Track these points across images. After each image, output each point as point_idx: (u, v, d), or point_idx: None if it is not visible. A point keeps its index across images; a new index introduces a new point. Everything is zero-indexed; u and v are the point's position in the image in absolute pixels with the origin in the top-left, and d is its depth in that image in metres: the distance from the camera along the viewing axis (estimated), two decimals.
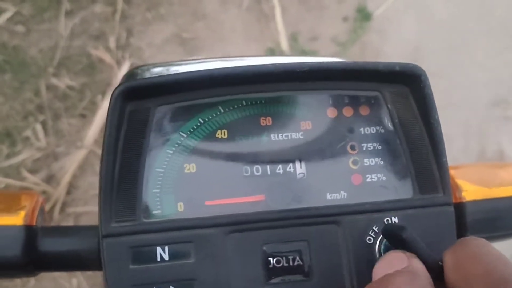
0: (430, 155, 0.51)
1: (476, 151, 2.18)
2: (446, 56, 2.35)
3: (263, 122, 0.52)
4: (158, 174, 0.49)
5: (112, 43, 2.03)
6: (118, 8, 2.09)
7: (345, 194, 0.51)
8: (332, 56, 2.18)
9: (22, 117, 1.90)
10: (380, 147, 0.52)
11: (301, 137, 0.52)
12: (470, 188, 0.62)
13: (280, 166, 0.51)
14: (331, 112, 0.53)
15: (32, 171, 1.84)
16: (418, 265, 0.39)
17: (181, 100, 0.51)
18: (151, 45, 2.09)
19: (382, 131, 0.53)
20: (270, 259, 0.47)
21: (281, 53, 2.21)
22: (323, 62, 0.50)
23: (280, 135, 0.52)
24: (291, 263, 0.47)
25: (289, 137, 0.52)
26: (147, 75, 0.65)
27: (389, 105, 0.53)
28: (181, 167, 0.50)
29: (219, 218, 0.48)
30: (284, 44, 2.22)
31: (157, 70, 0.65)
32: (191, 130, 0.51)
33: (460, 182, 0.63)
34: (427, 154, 0.51)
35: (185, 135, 0.50)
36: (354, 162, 0.52)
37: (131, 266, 0.46)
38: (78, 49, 2.01)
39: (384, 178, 0.52)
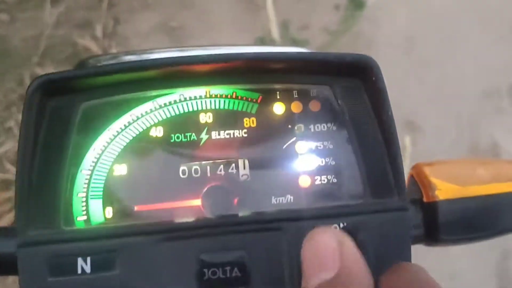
0: (384, 156, 0.47)
1: (468, 143, 2.15)
2: (439, 46, 2.31)
3: (203, 119, 0.48)
4: (84, 177, 0.45)
5: (98, 31, 2.00)
6: None
7: (292, 197, 0.47)
8: (322, 45, 2.16)
9: (4, 107, 1.87)
10: (331, 146, 0.48)
11: (244, 135, 0.48)
12: (444, 187, 0.59)
13: (221, 167, 0.47)
14: (278, 108, 0.49)
15: (15, 163, 1.81)
16: (352, 266, 0.36)
17: (110, 94, 0.46)
18: (137, 34, 2.06)
19: (334, 128, 0.49)
20: (205, 270, 0.43)
21: (272, 42, 2.17)
22: (264, 52, 0.46)
23: (221, 132, 0.48)
24: (228, 275, 0.43)
25: (232, 135, 0.48)
26: (104, 63, 0.61)
27: (339, 101, 0.48)
28: (110, 169, 0.46)
29: (149, 225, 0.44)
30: (275, 33, 2.19)
31: (110, 61, 0.61)
32: (122, 127, 0.46)
33: (434, 180, 0.59)
34: (380, 154, 0.47)
35: (115, 133, 0.46)
36: (303, 163, 0.48)
37: (49, 279, 0.42)
38: (63, 38, 1.97)
39: (334, 180, 0.48)
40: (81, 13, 2.02)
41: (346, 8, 2.31)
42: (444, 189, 0.59)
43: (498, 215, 0.60)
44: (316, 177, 0.48)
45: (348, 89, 0.48)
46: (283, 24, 2.22)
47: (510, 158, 2.01)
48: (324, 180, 0.48)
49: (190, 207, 0.46)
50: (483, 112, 2.23)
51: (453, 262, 1.92)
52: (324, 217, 0.45)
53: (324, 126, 0.49)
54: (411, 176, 0.62)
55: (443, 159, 0.65)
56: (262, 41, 2.15)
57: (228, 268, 0.43)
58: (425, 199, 0.59)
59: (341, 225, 0.45)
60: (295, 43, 2.20)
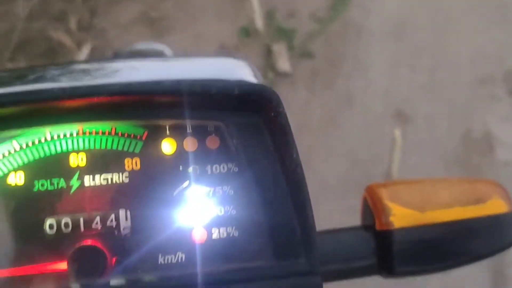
0: (289, 207, 0.40)
1: (461, 132, 2.10)
2: (430, 33, 2.26)
3: (73, 162, 0.40)
4: None
5: (73, 24, 1.94)
6: None
7: (183, 256, 0.40)
8: (310, 34, 2.10)
9: None
10: (232, 192, 0.41)
11: (126, 180, 0.40)
12: (400, 212, 0.54)
13: (97, 219, 0.39)
14: (168, 146, 0.41)
15: None
16: None
17: None
18: (116, 25, 2.00)
19: (236, 169, 0.41)
20: None
21: (256, 32, 2.11)
22: (134, 83, 0.38)
23: (97, 177, 0.40)
24: None
25: (110, 181, 0.40)
26: None
27: (234, 140, 0.41)
28: None
29: None
30: (259, 22, 2.12)
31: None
32: None
33: (389, 204, 0.55)
34: (285, 204, 0.40)
35: None
36: (197, 212, 0.41)
37: None
38: (37, 32, 1.91)
39: (235, 234, 0.41)
40: (56, 5, 1.96)
41: None
42: (400, 215, 0.54)
43: (460, 243, 0.56)
44: (213, 230, 0.41)
45: (245, 125, 0.41)
46: (269, 13, 2.15)
47: (503, 146, 1.95)
48: (223, 234, 0.41)
49: (54, 272, 0.39)
50: (477, 100, 2.17)
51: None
52: (218, 283, 0.38)
53: (223, 167, 0.41)
54: (364, 199, 0.57)
55: (401, 179, 0.60)
56: (246, 31, 2.09)
57: None
58: (377, 227, 0.54)
59: None
60: (281, 32, 2.13)
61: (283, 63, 2.07)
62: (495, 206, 0.56)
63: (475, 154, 2.06)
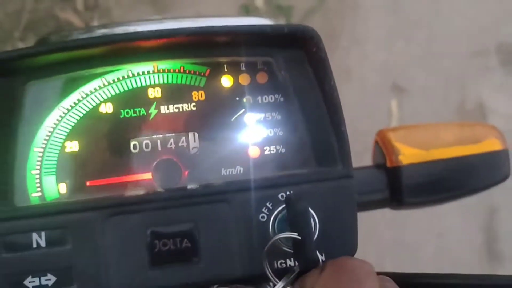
0: (328, 125, 0.48)
1: (456, 102, 2.16)
2: (426, 4, 2.29)
3: (151, 94, 0.48)
4: (37, 154, 0.46)
5: (79, 4, 1.98)
6: None
7: (241, 168, 0.48)
8: (308, 10, 2.14)
9: None
10: (279, 117, 0.49)
11: (193, 108, 0.48)
12: (408, 151, 0.60)
13: (171, 140, 0.48)
14: (226, 81, 0.49)
15: None
16: None
17: (57, 73, 0.47)
18: (120, 5, 2.04)
19: (282, 99, 0.49)
20: (156, 242, 0.44)
21: (256, 10, 2.16)
22: (204, 27, 0.45)
23: (170, 107, 0.48)
24: (178, 246, 0.44)
25: (181, 109, 0.48)
26: (61, 37, 0.60)
27: (283, 72, 0.49)
28: (62, 145, 0.46)
29: (99, 200, 0.45)
30: (259, 0, 2.17)
31: (70, 37, 0.60)
32: (72, 105, 0.47)
33: (397, 144, 0.61)
34: (324, 124, 0.48)
35: (65, 111, 0.47)
36: (252, 134, 0.49)
37: (4, 255, 0.43)
38: (45, 12, 1.96)
39: (283, 150, 0.49)
40: None
41: None
42: (408, 154, 0.60)
43: (460, 177, 0.62)
44: (265, 148, 0.49)
45: (291, 60, 0.49)
46: None
47: (496, 116, 2.02)
48: (272, 150, 0.49)
49: (141, 180, 0.47)
50: (471, 71, 2.22)
51: (441, 220, 1.95)
52: (269, 187, 0.46)
53: (271, 98, 0.49)
54: (376, 142, 0.63)
55: (409, 124, 0.66)
56: (246, 9, 2.13)
57: (178, 239, 0.44)
58: (388, 164, 0.60)
59: (287, 193, 0.46)
60: (279, 9, 2.18)
61: None
62: (491, 144, 0.63)
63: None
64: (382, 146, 0.62)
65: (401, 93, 2.13)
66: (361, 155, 1.83)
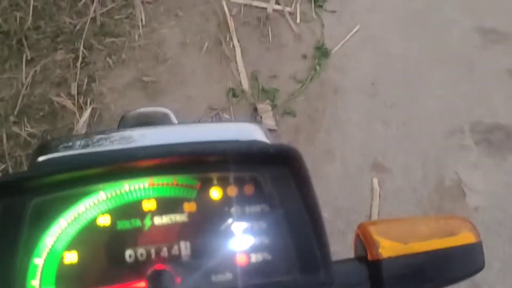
0: (311, 235, 0.51)
1: (434, 180, 2.23)
2: (403, 89, 2.41)
3: (146, 206, 0.51)
4: (37, 266, 0.48)
5: (73, 89, 2.06)
6: (79, 54, 2.12)
7: (230, 275, 0.50)
8: (291, 93, 2.23)
9: None
10: (265, 226, 0.52)
11: (185, 219, 0.51)
12: (387, 245, 0.63)
13: (165, 249, 0.50)
14: (215, 193, 0.53)
15: None
16: None
17: (58, 190, 0.50)
18: (112, 90, 2.12)
19: (267, 209, 0.53)
20: None
21: (242, 93, 2.25)
22: (196, 147, 0.51)
23: (164, 218, 0.51)
24: None
25: (173, 220, 0.51)
26: (61, 148, 0.62)
27: (268, 185, 0.53)
28: (62, 256, 0.48)
29: None
30: (245, 83, 2.27)
31: (69, 143, 0.62)
32: (72, 218, 0.49)
33: (378, 238, 0.63)
34: (307, 233, 0.51)
35: (65, 224, 0.49)
36: (239, 242, 0.52)
37: None
38: (39, 97, 2.03)
39: (269, 258, 0.51)
40: (56, 72, 2.08)
41: (313, 57, 2.41)
42: (388, 247, 0.63)
43: (438, 268, 0.65)
44: (251, 255, 0.51)
45: (276, 175, 0.53)
46: (253, 75, 2.30)
47: (474, 193, 2.07)
48: (259, 258, 0.51)
49: None
50: (448, 150, 2.32)
51: None
52: None
53: (258, 208, 0.53)
54: (357, 235, 0.67)
55: (388, 218, 0.70)
56: (233, 93, 2.22)
57: None
58: (369, 257, 0.63)
59: None
60: (264, 92, 2.27)
61: (269, 121, 2.20)
62: (466, 237, 0.66)
63: (448, 200, 2.18)
64: (363, 239, 0.64)
65: (382, 172, 2.20)
66: (345, 233, 1.87)
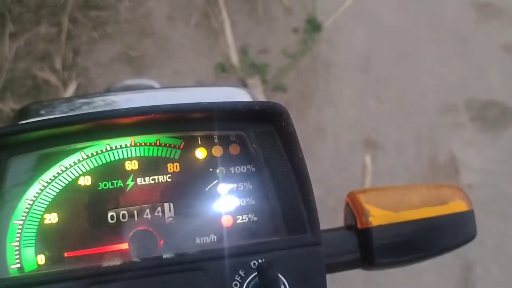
0: (297, 195, 0.50)
1: (428, 157, 2.20)
2: (396, 64, 2.38)
3: (128, 166, 0.50)
4: (17, 227, 0.47)
5: (58, 64, 2.01)
6: (63, 28, 2.07)
7: (215, 237, 0.49)
8: (283, 67, 2.20)
9: None
10: (251, 187, 0.51)
11: (169, 180, 0.50)
12: (378, 213, 0.62)
13: (148, 210, 0.49)
14: (200, 153, 0.51)
15: None
16: None
17: (38, 148, 0.48)
18: (98, 64, 2.07)
19: (253, 170, 0.51)
20: None
21: (231, 68, 2.21)
22: (179, 104, 0.48)
23: (147, 178, 0.50)
24: None
25: (157, 181, 0.50)
26: (42, 112, 0.62)
27: (254, 144, 0.51)
28: (42, 218, 0.47)
29: (77, 270, 0.46)
30: (234, 58, 2.23)
31: (50, 107, 0.62)
32: (52, 178, 0.48)
33: (368, 207, 0.62)
34: (294, 193, 0.50)
35: (45, 184, 0.48)
36: (225, 203, 0.51)
37: None
38: (23, 72, 1.98)
39: (255, 219, 0.50)
40: (40, 46, 2.03)
41: (304, 31, 2.36)
42: (378, 216, 0.62)
43: (429, 237, 0.63)
44: (237, 216, 0.50)
45: (262, 133, 0.51)
46: (242, 49, 2.25)
47: (468, 170, 2.06)
48: (245, 219, 0.50)
49: (118, 250, 0.48)
50: (442, 127, 2.29)
51: (417, 276, 1.96)
52: (242, 255, 0.48)
53: (244, 168, 0.51)
54: (347, 204, 0.65)
55: (378, 186, 0.68)
56: (222, 68, 2.18)
57: None
58: (359, 226, 0.62)
59: (259, 261, 0.47)
60: (254, 67, 2.23)
61: (258, 96, 2.13)
62: (457, 206, 0.64)
63: (441, 177, 2.16)
64: (353, 208, 0.63)
65: (375, 149, 2.18)
66: (336, 211, 1.86)
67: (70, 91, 1.95)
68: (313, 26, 2.39)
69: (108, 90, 1.25)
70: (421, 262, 0.65)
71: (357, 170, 2.12)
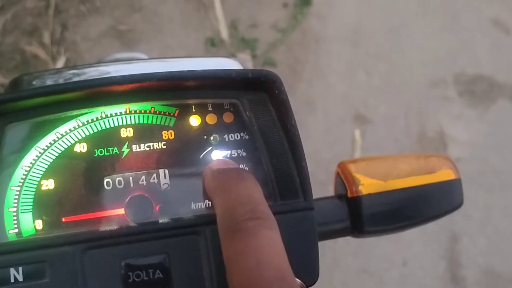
0: (290, 161, 0.51)
1: (417, 131, 2.23)
2: (386, 38, 2.38)
3: (123, 134, 0.51)
4: (14, 193, 0.48)
5: (46, 38, 2.00)
6: (51, 2, 2.05)
7: (209, 203, 0.50)
8: (272, 43, 2.20)
9: None
10: (244, 154, 0.52)
11: (164, 147, 0.51)
12: (367, 182, 0.63)
13: (143, 177, 0.50)
14: (194, 121, 0.52)
15: None
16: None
17: (34, 116, 0.49)
18: (86, 38, 2.06)
19: (246, 137, 0.52)
20: (130, 274, 0.46)
21: (221, 42, 2.20)
22: (174, 72, 0.49)
23: (142, 145, 0.50)
24: (151, 277, 0.46)
25: (152, 148, 0.51)
26: (34, 83, 0.62)
27: (247, 112, 0.52)
28: (39, 184, 0.48)
29: (75, 235, 0.47)
30: (224, 33, 2.22)
31: (44, 78, 0.63)
32: (48, 145, 0.49)
33: (357, 176, 0.64)
34: (286, 160, 0.51)
35: (41, 151, 0.49)
36: None
37: None
38: (10, 46, 1.96)
39: None
40: (28, 20, 2.01)
41: (294, 5, 2.36)
42: (367, 184, 0.63)
43: (417, 205, 0.65)
44: None
45: (255, 101, 0.52)
46: (232, 24, 2.24)
47: (456, 145, 2.08)
48: None
49: (114, 216, 0.49)
50: (430, 101, 2.30)
51: (404, 249, 1.99)
52: None
53: (237, 136, 0.52)
54: (337, 173, 0.66)
55: (368, 156, 0.69)
56: (212, 42, 2.18)
57: (151, 270, 0.47)
58: (349, 194, 0.63)
59: None
60: (244, 42, 2.23)
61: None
62: (445, 174, 0.66)
63: (430, 151, 2.18)
64: (343, 177, 0.64)
65: (364, 123, 2.19)
66: (326, 184, 1.87)
67: (59, 66, 1.94)
68: (303, 0, 2.37)
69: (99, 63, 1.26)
70: (410, 229, 0.66)
71: (347, 144, 2.14)
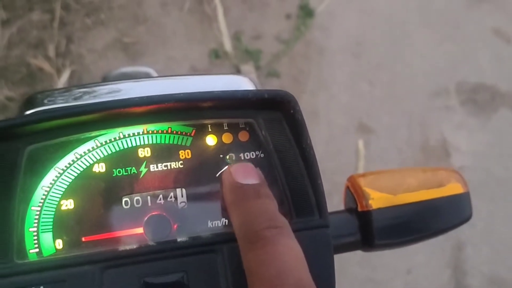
0: (305, 179, 0.52)
1: (419, 141, 2.23)
2: (388, 49, 2.39)
3: (141, 154, 0.51)
4: (34, 213, 0.49)
5: (51, 51, 2.01)
6: (56, 15, 2.07)
7: (226, 221, 0.51)
8: (276, 53, 2.21)
9: None
10: (260, 172, 0.52)
11: (181, 166, 0.52)
12: (377, 196, 0.64)
13: (160, 196, 0.51)
14: (211, 140, 0.53)
15: None
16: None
17: (53, 137, 0.50)
18: (92, 51, 2.07)
19: (262, 155, 0.53)
20: None
21: (225, 54, 2.21)
22: (192, 93, 0.50)
23: (159, 165, 0.51)
24: None
25: (169, 167, 0.51)
26: (46, 101, 0.64)
27: (263, 131, 0.53)
28: (58, 204, 0.49)
29: (94, 254, 0.47)
30: (227, 44, 2.23)
31: (56, 96, 0.63)
32: (67, 166, 0.50)
33: (367, 190, 0.64)
34: (302, 178, 0.52)
35: (60, 171, 0.50)
36: None
37: None
38: (16, 59, 1.98)
39: None
40: (33, 33, 2.03)
41: (297, 17, 2.37)
42: (377, 198, 0.64)
43: (427, 219, 0.65)
44: None
45: (270, 121, 0.53)
46: (236, 36, 2.26)
47: (459, 154, 2.09)
48: None
49: (133, 235, 0.50)
50: (433, 111, 2.31)
51: (409, 257, 2.00)
52: None
53: (253, 154, 0.53)
54: (347, 188, 0.67)
55: (377, 170, 0.70)
56: (215, 54, 2.19)
57: None
58: (359, 208, 0.64)
59: None
60: (248, 53, 2.24)
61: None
62: (454, 188, 0.66)
63: (433, 160, 2.19)
64: (353, 191, 0.65)
65: (367, 133, 2.20)
66: (330, 195, 1.88)
67: (64, 78, 1.95)
68: (306, 11, 2.39)
69: (105, 78, 1.26)
70: (419, 242, 0.67)
71: (350, 154, 2.15)
